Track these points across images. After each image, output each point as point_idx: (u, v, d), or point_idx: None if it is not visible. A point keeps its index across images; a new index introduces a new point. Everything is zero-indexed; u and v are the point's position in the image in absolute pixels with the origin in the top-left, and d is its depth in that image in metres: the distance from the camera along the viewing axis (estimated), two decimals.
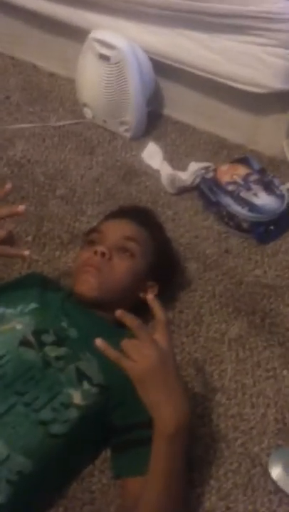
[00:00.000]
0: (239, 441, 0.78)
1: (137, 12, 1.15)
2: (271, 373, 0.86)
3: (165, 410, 0.59)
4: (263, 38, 1.05)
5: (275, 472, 0.74)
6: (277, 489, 0.73)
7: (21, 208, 0.67)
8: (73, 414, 0.65)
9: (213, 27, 1.08)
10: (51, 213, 1.09)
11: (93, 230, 0.87)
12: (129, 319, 0.60)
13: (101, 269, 0.78)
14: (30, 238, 1.04)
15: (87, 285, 0.77)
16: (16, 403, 0.63)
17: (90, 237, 0.86)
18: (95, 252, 0.79)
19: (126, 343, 0.60)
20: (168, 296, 0.93)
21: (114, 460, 0.71)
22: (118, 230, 0.83)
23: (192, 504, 0.71)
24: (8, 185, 0.69)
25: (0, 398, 0.63)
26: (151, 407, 0.60)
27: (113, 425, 0.71)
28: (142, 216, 0.90)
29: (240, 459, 0.76)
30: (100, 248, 0.79)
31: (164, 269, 0.88)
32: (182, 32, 1.13)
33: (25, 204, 1.08)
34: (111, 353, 0.60)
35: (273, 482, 0.73)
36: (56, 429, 0.64)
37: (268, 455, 0.76)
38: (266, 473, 0.74)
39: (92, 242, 0.83)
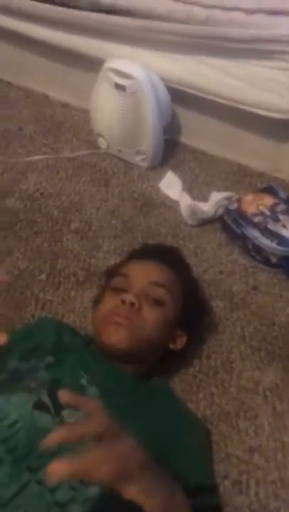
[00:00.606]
0: None
1: (154, 40, 1.12)
2: None
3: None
4: (287, 62, 1.00)
5: None
6: None
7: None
8: (94, 491, 0.57)
9: (235, 53, 1.04)
10: (66, 249, 1.03)
11: (117, 273, 0.80)
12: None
13: (131, 319, 0.71)
14: (44, 276, 0.98)
15: (117, 336, 0.69)
16: (29, 481, 0.55)
17: (114, 282, 0.78)
18: (123, 302, 0.72)
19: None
20: (195, 335, 0.85)
21: None
22: (145, 275, 0.76)
23: None
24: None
25: (11, 475, 0.54)
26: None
27: None
28: (168, 257, 0.83)
29: None
30: (129, 298, 0.72)
31: (193, 315, 0.81)
32: (202, 59, 1.09)
33: (39, 239, 1.04)
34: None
35: None
36: (75, 510, 0.55)
37: None
38: None
39: (116, 289, 0.76)
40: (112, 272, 0.83)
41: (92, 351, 0.73)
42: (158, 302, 0.74)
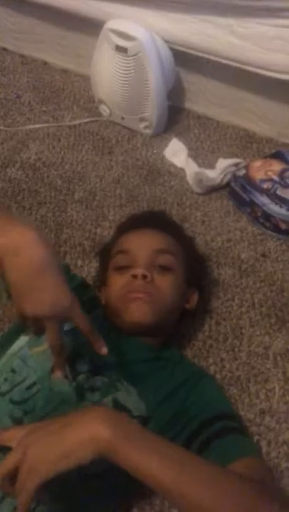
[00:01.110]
0: None
1: None
2: None
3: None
4: None
5: None
6: None
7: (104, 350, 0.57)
8: None
9: (241, 10, 0.99)
10: (71, 219, 1.01)
11: (116, 252, 0.77)
12: None
13: (149, 293, 0.69)
14: None
15: (141, 312, 0.68)
16: None
17: (116, 262, 0.75)
18: (134, 276, 0.70)
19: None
20: (203, 307, 0.85)
21: (210, 456, 0.58)
22: (145, 245, 0.74)
23: None
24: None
25: None
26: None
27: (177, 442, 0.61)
28: (159, 221, 0.82)
29: None
30: (140, 271, 0.70)
31: (197, 269, 0.81)
32: (206, 18, 1.04)
33: (42, 209, 1.02)
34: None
35: None
36: (91, 470, 0.56)
37: None
38: None
39: (121, 267, 0.74)
40: (107, 252, 0.81)
41: (109, 324, 0.72)
42: (166, 268, 0.73)
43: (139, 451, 0.45)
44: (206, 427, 0.60)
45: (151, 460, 0.45)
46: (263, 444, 0.72)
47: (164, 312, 0.70)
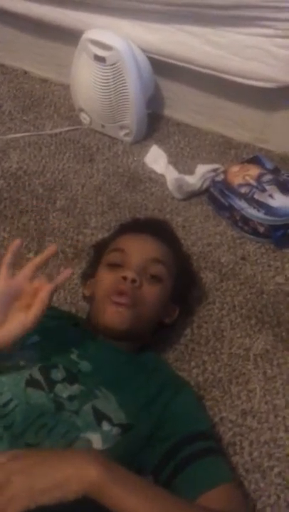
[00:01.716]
0: (276, 470, 0.70)
1: (133, 9, 1.08)
2: None
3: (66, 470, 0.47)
4: (271, 29, 0.98)
5: None
6: None
7: (53, 247, 0.62)
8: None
9: (217, 20, 1.02)
10: (52, 227, 1.02)
11: (112, 248, 0.78)
12: None
13: (133, 298, 0.70)
14: (32, 255, 0.97)
15: (120, 318, 0.68)
16: None
17: (110, 258, 0.76)
18: (124, 278, 0.70)
19: None
20: (185, 311, 0.86)
21: (180, 486, 0.60)
22: (142, 250, 0.74)
23: None
24: (17, 242, 0.63)
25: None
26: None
27: (151, 460, 0.62)
28: (161, 231, 0.82)
29: (278, 491, 0.69)
30: (130, 274, 0.70)
31: (184, 288, 0.81)
32: (183, 27, 1.06)
33: (24, 218, 1.03)
34: None
35: None
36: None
37: None
38: None
39: (113, 264, 0.74)
40: (103, 246, 0.82)
41: (82, 329, 0.73)
42: (156, 278, 0.73)
43: (124, 495, 0.47)
44: (183, 448, 0.61)
45: (135, 505, 0.47)
46: (246, 444, 0.73)
47: (142, 321, 0.71)
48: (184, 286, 0.81)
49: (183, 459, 0.60)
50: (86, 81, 1.16)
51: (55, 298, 0.89)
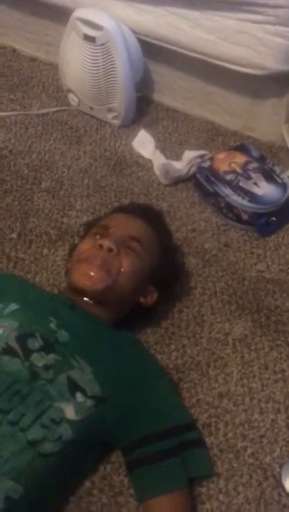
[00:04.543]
0: (249, 451, 0.72)
1: None
2: (280, 375, 0.80)
3: None
4: (261, 15, 0.97)
5: None
6: None
7: None
8: (66, 430, 0.59)
9: (207, 4, 1.00)
10: (37, 208, 1.01)
11: (98, 222, 0.80)
12: None
13: (107, 263, 0.70)
14: (15, 235, 0.96)
15: (90, 278, 0.69)
16: (1, 422, 0.56)
17: (93, 231, 0.78)
18: (101, 246, 0.72)
19: None
20: (166, 295, 0.86)
21: (133, 481, 0.65)
22: (126, 226, 0.76)
23: None
24: None
25: None
26: None
27: (121, 441, 0.65)
28: (152, 217, 0.84)
29: (250, 471, 0.70)
30: (107, 243, 0.71)
31: (167, 277, 0.82)
32: (173, 10, 1.05)
33: (8, 198, 1.02)
34: None
35: (287, 495, 0.68)
36: (47, 448, 0.57)
37: (281, 465, 0.71)
38: (279, 486, 0.69)
39: (94, 235, 0.76)
40: (93, 224, 0.83)
41: (61, 300, 0.73)
42: (134, 252, 0.74)
43: None
44: (152, 443, 0.64)
45: None
46: (221, 425, 0.75)
47: (116, 289, 0.71)
48: (166, 273, 0.81)
49: (146, 456, 0.63)
50: (75, 61, 1.14)
51: (38, 278, 0.90)
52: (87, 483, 0.67)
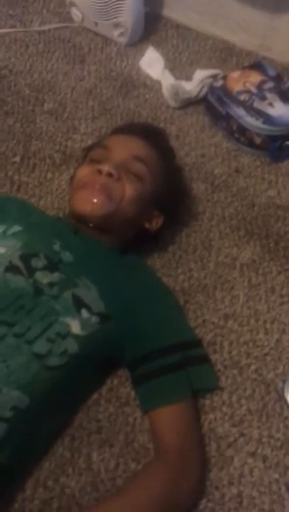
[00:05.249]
0: (253, 368, 0.73)
1: None
2: (286, 299, 0.80)
3: None
4: None
5: None
6: None
7: None
8: (72, 345, 0.59)
9: None
10: (40, 130, 0.97)
11: (97, 145, 0.76)
12: None
13: (108, 188, 0.68)
14: (18, 159, 0.93)
15: (91, 204, 0.67)
16: (6, 334, 0.56)
17: (92, 154, 0.74)
18: (99, 171, 0.68)
19: None
20: (173, 220, 0.85)
21: (138, 394, 0.67)
22: (126, 148, 0.72)
23: (203, 430, 0.68)
24: None
25: None
26: None
27: (126, 357, 0.66)
28: (154, 137, 0.79)
29: (253, 386, 0.72)
30: (107, 167, 0.68)
31: (172, 200, 0.78)
32: None
33: (10, 120, 0.98)
34: None
35: None
36: (53, 361, 0.58)
37: (284, 381, 0.72)
38: (281, 399, 0.70)
39: (94, 160, 0.72)
40: (91, 149, 0.79)
41: (65, 223, 0.72)
42: (137, 176, 0.71)
43: None
44: (157, 358, 0.64)
45: None
46: (226, 344, 0.75)
47: (119, 215, 0.69)
48: (171, 197, 0.78)
49: (151, 371, 0.64)
50: None
51: (42, 202, 0.88)
52: (95, 395, 0.69)
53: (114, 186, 0.69)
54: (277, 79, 0.99)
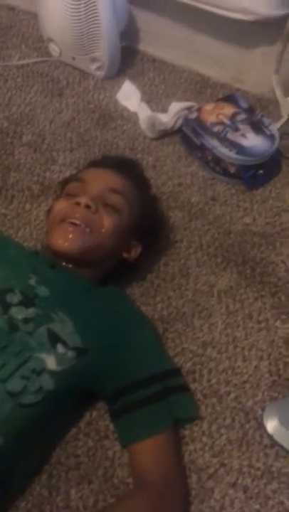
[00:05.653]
0: (232, 396, 0.74)
1: None
2: (263, 325, 0.81)
3: None
4: None
5: (271, 425, 0.70)
6: (273, 443, 0.69)
7: None
8: (47, 381, 0.59)
9: None
10: (18, 162, 0.98)
11: (73, 179, 0.77)
12: None
13: (88, 220, 0.68)
14: None
15: (68, 240, 0.67)
16: None
17: (68, 188, 0.75)
18: (77, 204, 0.69)
19: None
20: (151, 249, 0.86)
21: (117, 428, 0.66)
22: (102, 181, 0.73)
23: (184, 462, 0.67)
24: None
25: None
26: None
27: (104, 391, 0.66)
28: (128, 168, 0.81)
29: (233, 414, 0.72)
30: (84, 200, 0.69)
31: (149, 229, 0.80)
32: None
33: None
34: None
35: (269, 436, 0.70)
36: (28, 399, 0.57)
37: (263, 408, 0.72)
38: (261, 427, 0.71)
39: (71, 194, 0.73)
40: (67, 181, 0.80)
41: (41, 257, 0.72)
42: (114, 208, 0.72)
43: None
44: (136, 390, 0.64)
45: None
46: (205, 372, 0.76)
47: (97, 248, 0.69)
48: (148, 225, 0.80)
49: (131, 403, 0.64)
50: (55, 8, 1.08)
51: (21, 233, 0.88)
52: (73, 429, 0.68)
53: (93, 219, 0.70)
54: (250, 111, 1.03)
